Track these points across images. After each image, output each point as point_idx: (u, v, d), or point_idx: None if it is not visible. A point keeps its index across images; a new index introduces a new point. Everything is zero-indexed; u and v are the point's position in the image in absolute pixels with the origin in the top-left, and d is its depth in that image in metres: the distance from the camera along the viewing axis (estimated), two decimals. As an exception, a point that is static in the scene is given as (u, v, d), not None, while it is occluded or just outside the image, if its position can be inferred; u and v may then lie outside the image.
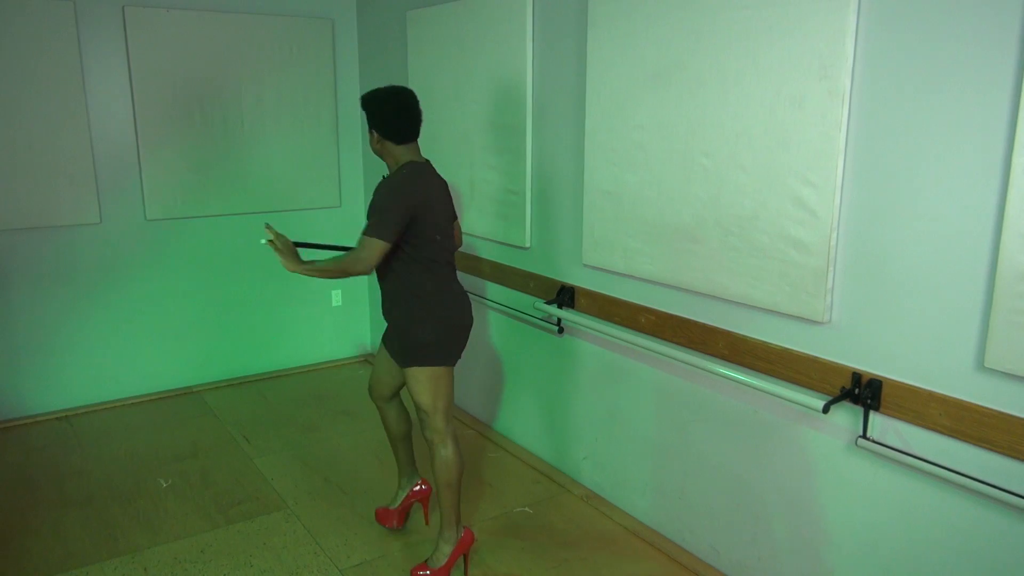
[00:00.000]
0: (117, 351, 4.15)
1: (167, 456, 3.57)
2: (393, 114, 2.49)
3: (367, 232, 2.37)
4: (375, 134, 2.52)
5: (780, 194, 2.21)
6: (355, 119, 4.66)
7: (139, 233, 4.10)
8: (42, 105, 3.71)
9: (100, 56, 3.85)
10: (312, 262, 2.41)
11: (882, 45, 1.95)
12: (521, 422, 3.62)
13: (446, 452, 2.57)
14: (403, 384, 2.74)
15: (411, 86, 3.97)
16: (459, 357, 2.62)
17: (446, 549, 2.60)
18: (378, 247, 2.36)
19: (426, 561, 2.61)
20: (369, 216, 2.41)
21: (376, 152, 2.57)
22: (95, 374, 4.11)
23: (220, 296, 4.39)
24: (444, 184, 2.60)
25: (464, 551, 2.64)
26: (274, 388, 4.43)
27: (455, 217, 2.69)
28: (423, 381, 2.53)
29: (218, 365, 4.46)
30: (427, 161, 2.57)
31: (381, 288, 2.61)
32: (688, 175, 2.49)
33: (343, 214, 4.72)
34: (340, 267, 2.38)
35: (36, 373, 3.96)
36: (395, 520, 2.93)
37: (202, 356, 4.40)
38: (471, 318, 2.63)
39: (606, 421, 3.08)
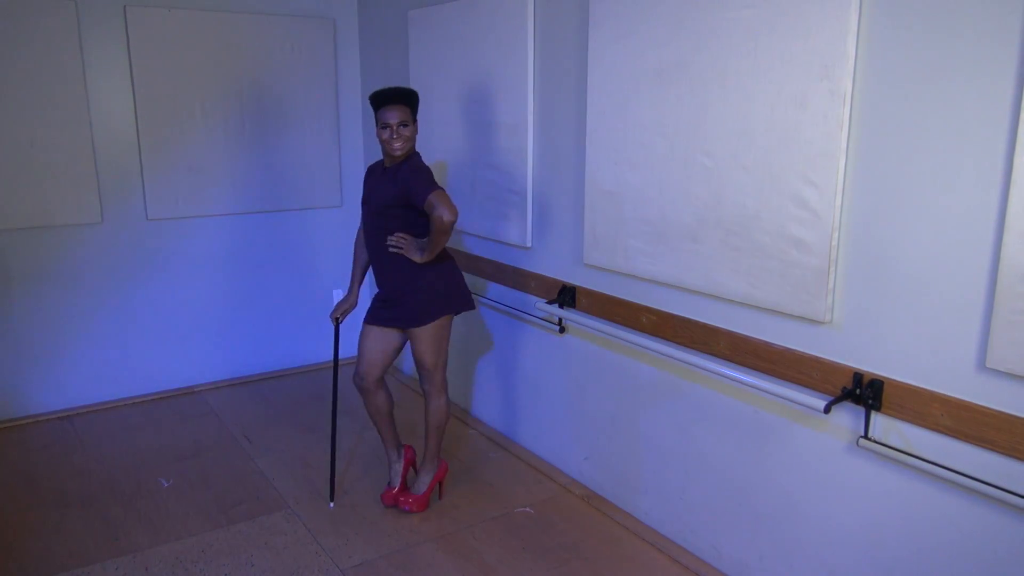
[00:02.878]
0: (119, 351, 4.15)
1: (168, 456, 3.57)
2: None
3: (430, 189, 2.69)
4: (416, 126, 2.83)
5: (782, 194, 2.21)
6: (356, 118, 4.67)
7: (140, 233, 4.10)
8: (43, 104, 3.72)
9: (101, 55, 3.86)
10: (427, 248, 2.78)
11: (884, 45, 1.94)
12: (522, 422, 3.62)
13: (441, 402, 2.98)
14: (392, 360, 3.00)
15: (412, 85, 3.99)
16: (463, 307, 2.99)
17: (427, 479, 3.07)
18: (445, 193, 2.71)
19: (409, 488, 3.10)
20: (418, 184, 2.72)
21: (412, 141, 2.81)
22: (96, 374, 4.11)
23: (221, 296, 4.40)
24: None
25: (440, 479, 3.12)
26: (275, 388, 4.43)
27: None
28: (432, 338, 2.88)
29: (219, 365, 4.46)
30: None
31: (397, 258, 2.85)
32: (689, 175, 2.49)
33: (344, 214, 4.73)
34: (439, 229, 2.69)
35: (37, 373, 3.97)
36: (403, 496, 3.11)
37: (203, 356, 4.40)
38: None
39: (607, 421, 3.08)
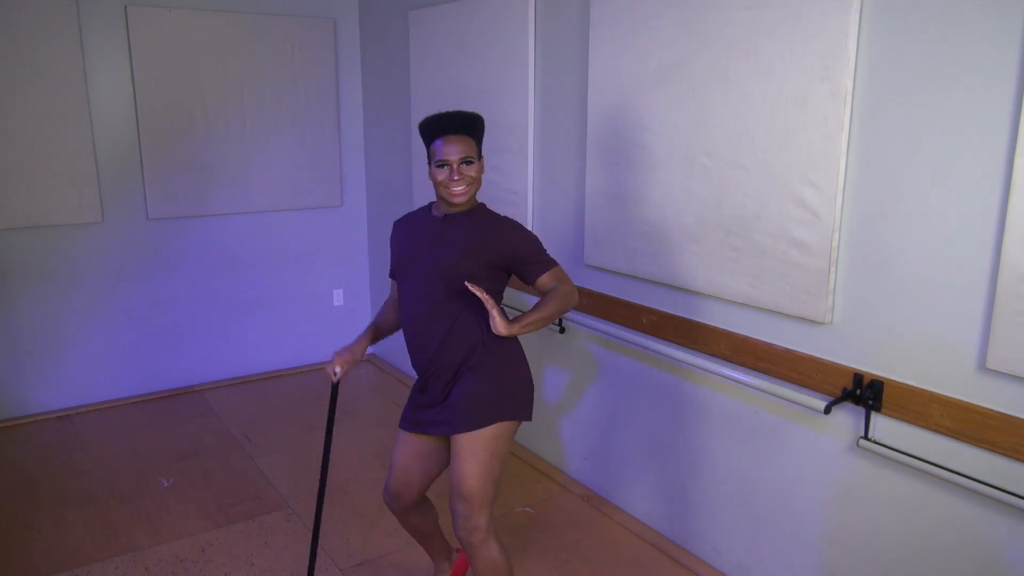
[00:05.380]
0: (118, 350, 4.15)
1: (168, 455, 3.57)
2: None
3: (551, 263, 2.09)
4: (482, 164, 2.14)
5: (782, 195, 2.21)
6: (357, 118, 4.67)
7: (141, 232, 4.10)
8: (44, 104, 3.72)
9: (102, 55, 3.86)
10: (527, 318, 1.99)
11: (884, 46, 1.95)
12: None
13: (490, 552, 2.08)
14: (434, 479, 2.28)
15: (413, 86, 3.99)
16: (525, 415, 2.16)
17: None
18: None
19: None
20: (536, 253, 2.09)
21: (477, 184, 2.10)
22: (96, 373, 4.11)
23: (221, 295, 4.40)
24: None
25: None
26: (275, 388, 4.43)
27: None
28: (484, 451, 2.03)
29: (219, 364, 4.46)
30: None
31: (453, 336, 2.07)
32: (690, 175, 2.49)
33: (344, 214, 4.73)
34: (561, 307, 2.03)
35: (37, 372, 3.97)
36: None
37: (203, 355, 4.40)
38: None
39: (607, 421, 3.08)
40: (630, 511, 3.03)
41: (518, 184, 3.32)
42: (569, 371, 3.26)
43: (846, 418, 2.18)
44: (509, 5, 3.22)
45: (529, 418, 2.15)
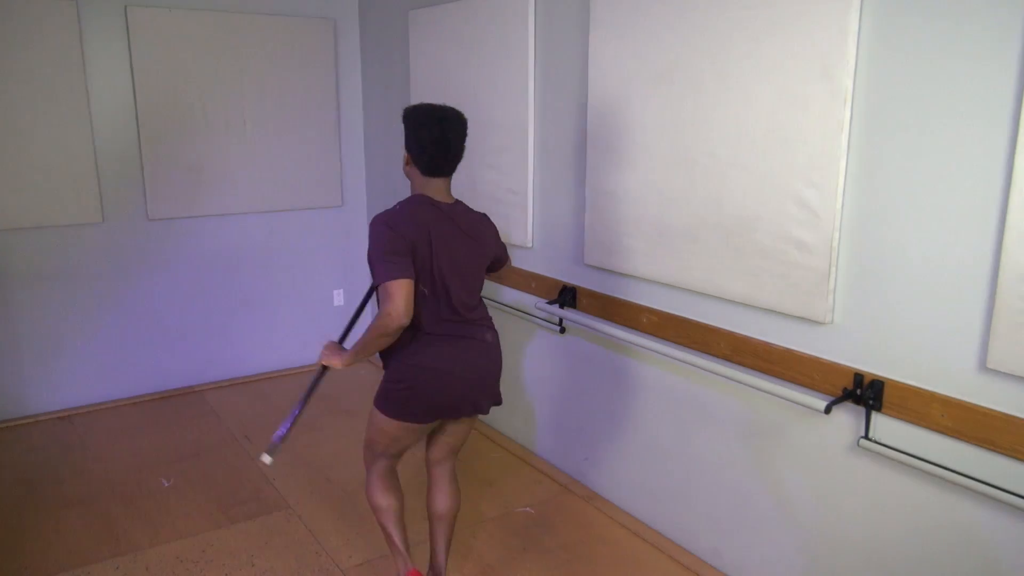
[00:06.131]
0: (119, 350, 4.15)
1: (169, 455, 3.57)
2: (424, 140, 2.14)
3: (380, 279, 2.06)
4: (405, 155, 2.22)
5: (782, 195, 2.21)
6: (357, 118, 4.67)
7: (141, 232, 4.10)
8: (45, 104, 3.71)
9: (102, 55, 3.86)
10: (354, 348, 2.22)
11: (885, 45, 1.95)
12: (522, 421, 3.62)
13: (366, 479, 2.47)
14: (457, 447, 2.49)
15: (413, 86, 3.98)
16: (421, 421, 2.27)
17: None
18: (397, 287, 2.03)
19: None
20: (370, 259, 2.12)
21: (405, 175, 2.27)
22: (96, 373, 4.11)
23: (221, 295, 4.40)
24: (472, 227, 2.26)
25: None
26: (275, 388, 4.43)
27: (483, 266, 2.33)
28: (373, 421, 2.36)
29: (219, 365, 4.46)
30: (456, 202, 2.24)
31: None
32: (690, 175, 2.49)
33: (345, 213, 4.73)
34: (374, 331, 2.08)
35: (37, 373, 3.97)
36: None
37: (203, 355, 4.40)
38: (451, 397, 2.26)
39: (608, 421, 3.08)
40: (630, 511, 3.03)
41: (518, 184, 3.32)
42: (569, 371, 3.26)
43: (846, 418, 2.18)
44: (509, 5, 3.22)
45: (393, 416, 2.26)
